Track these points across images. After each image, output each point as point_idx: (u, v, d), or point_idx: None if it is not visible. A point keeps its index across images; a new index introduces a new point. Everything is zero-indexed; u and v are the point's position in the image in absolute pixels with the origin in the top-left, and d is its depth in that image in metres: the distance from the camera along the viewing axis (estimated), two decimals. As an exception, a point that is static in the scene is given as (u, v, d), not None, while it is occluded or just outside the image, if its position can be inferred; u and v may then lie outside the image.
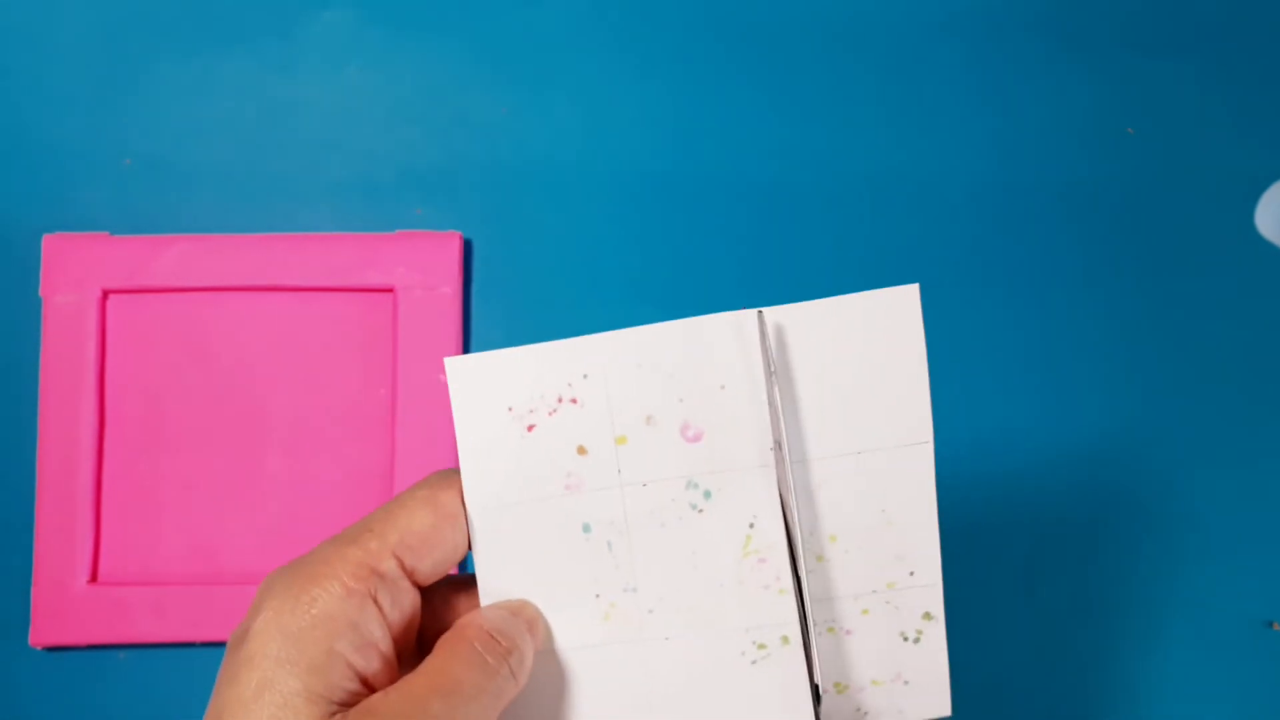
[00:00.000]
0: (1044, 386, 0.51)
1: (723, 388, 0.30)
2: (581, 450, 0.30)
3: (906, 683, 0.32)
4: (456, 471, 0.30)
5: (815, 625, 0.31)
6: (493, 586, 0.30)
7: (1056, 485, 0.51)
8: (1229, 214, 0.53)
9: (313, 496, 0.50)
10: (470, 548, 0.30)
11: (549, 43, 0.53)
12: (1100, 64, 0.53)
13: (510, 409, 0.30)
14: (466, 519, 0.30)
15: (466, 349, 0.51)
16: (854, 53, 0.53)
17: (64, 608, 0.48)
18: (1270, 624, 0.50)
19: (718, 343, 0.30)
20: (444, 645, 0.28)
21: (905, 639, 0.32)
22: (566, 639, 0.30)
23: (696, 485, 0.30)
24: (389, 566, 0.27)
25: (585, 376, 0.30)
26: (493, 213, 0.52)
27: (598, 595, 0.30)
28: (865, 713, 0.32)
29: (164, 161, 0.52)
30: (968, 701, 0.50)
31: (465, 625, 0.28)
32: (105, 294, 0.50)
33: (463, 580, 0.31)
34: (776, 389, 0.29)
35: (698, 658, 0.30)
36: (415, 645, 0.30)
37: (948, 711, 0.33)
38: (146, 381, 0.50)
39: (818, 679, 0.30)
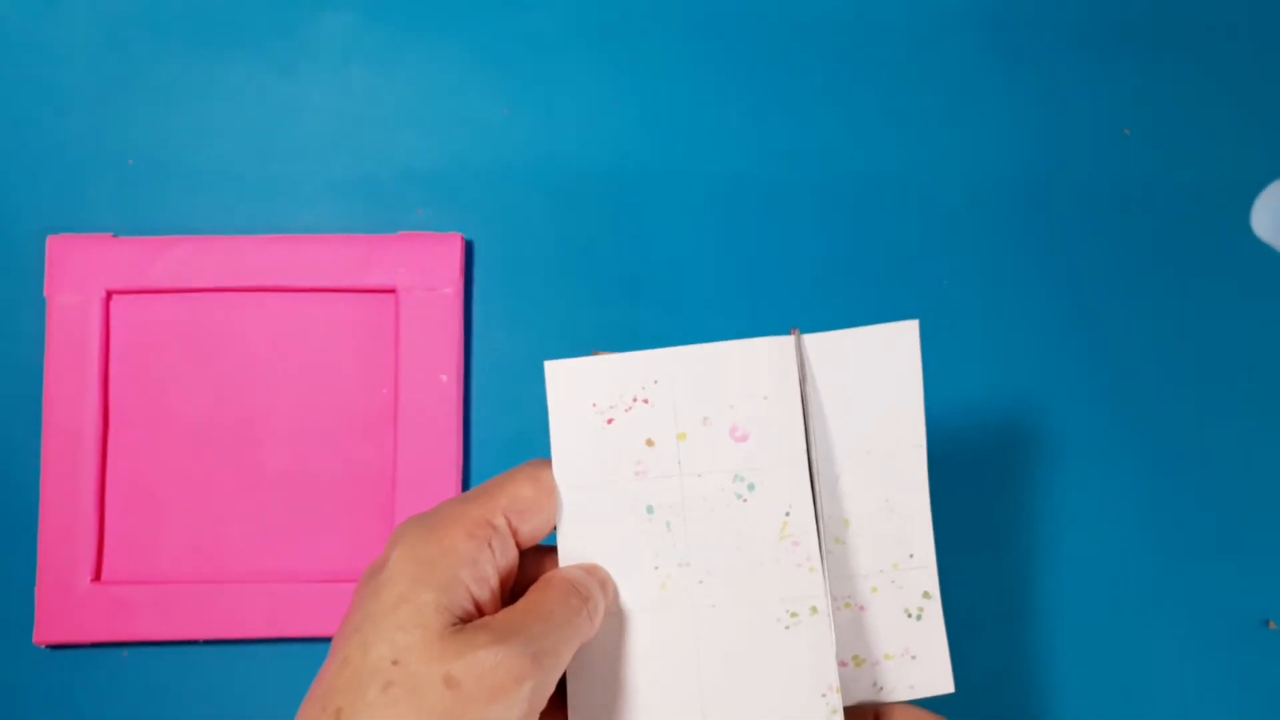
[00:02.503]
0: (1041, 385, 0.52)
1: (766, 398, 0.36)
2: (650, 443, 0.36)
3: (914, 658, 0.37)
4: (548, 460, 0.35)
5: (835, 600, 0.37)
6: (572, 552, 0.35)
7: (1055, 484, 0.51)
8: (1225, 215, 0.53)
9: (315, 496, 0.50)
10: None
11: (549, 44, 0.53)
12: (1096, 65, 0.54)
13: (594, 405, 0.36)
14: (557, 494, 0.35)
15: (468, 350, 0.51)
16: (853, 55, 0.53)
17: (67, 606, 0.48)
18: (1267, 623, 0.50)
19: (764, 360, 0.36)
20: (538, 587, 0.34)
21: (909, 615, 0.38)
22: (629, 602, 0.35)
23: (742, 478, 0.35)
24: (500, 523, 0.33)
25: (656, 382, 0.36)
26: (494, 214, 0.52)
27: (656, 567, 0.35)
28: (880, 687, 0.37)
29: (167, 163, 0.52)
30: (966, 701, 0.50)
31: (554, 575, 0.34)
32: (109, 295, 0.51)
33: (546, 550, 0.36)
34: (808, 395, 0.36)
35: (739, 622, 0.35)
36: (510, 594, 0.35)
37: (951, 688, 0.37)
38: (150, 382, 0.51)
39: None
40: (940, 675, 0.38)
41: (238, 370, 0.51)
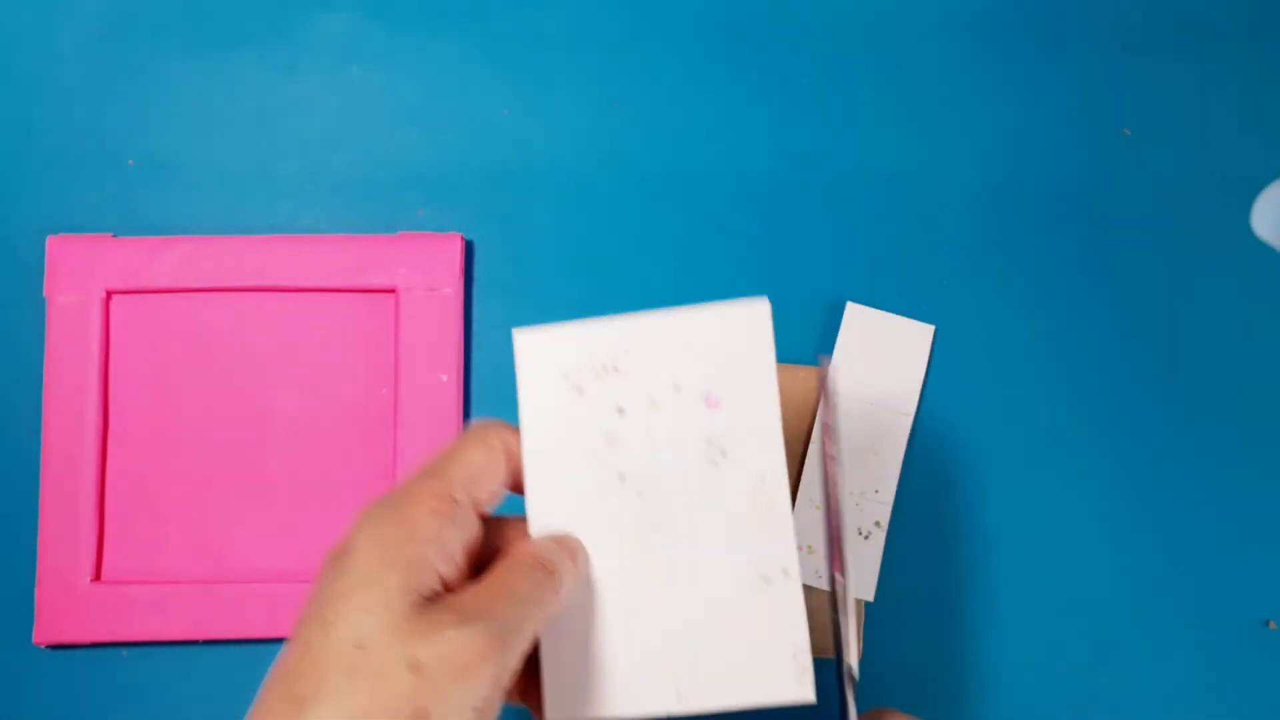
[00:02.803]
0: (1040, 384, 0.52)
1: (738, 364, 0.35)
2: (621, 411, 0.35)
3: (851, 565, 0.45)
4: (495, 422, 0.35)
5: (809, 500, 0.40)
6: (542, 521, 0.35)
7: (1055, 483, 0.51)
8: (1225, 215, 0.53)
9: (315, 495, 0.50)
10: (516, 487, 0.35)
11: (549, 44, 0.53)
12: (1097, 65, 0.54)
13: (565, 375, 0.35)
14: (516, 461, 0.35)
15: (468, 349, 0.51)
16: (854, 54, 0.54)
17: (67, 606, 0.49)
18: (1267, 622, 0.50)
19: (735, 327, 0.35)
20: (505, 563, 0.33)
21: (860, 534, 0.49)
22: (601, 569, 0.35)
23: (715, 444, 0.35)
24: (462, 495, 0.33)
25: (626, 350, 0.35)
26: (494, 214, 0.52)
27: (628, 534, 0.35)
28: (820, 575, 0.48)
29: (167, 163, 0.52)
30: (967, 700, 0.50)
31: (522, 550, 0.33)
32: (109, 294, 0.51)
33: (511, 520, 0.36)
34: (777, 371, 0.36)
35: (711, 586, 0.35)
36: (475, 565, 0.35)
37: (871, 598, 0.49)
38: (150, 381, 0.51)
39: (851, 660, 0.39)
40: (868, 586, 0.49)
41: (238, 370, 0.51)
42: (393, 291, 0.51)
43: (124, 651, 0.50)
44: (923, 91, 0.53)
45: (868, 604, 0.49)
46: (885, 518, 0.49)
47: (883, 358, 0.50)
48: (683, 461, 0.35)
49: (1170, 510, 0.51)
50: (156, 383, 0.51)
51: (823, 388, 0.37)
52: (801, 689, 0.34)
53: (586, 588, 0.35)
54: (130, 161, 0.52)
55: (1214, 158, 0.53)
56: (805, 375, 0.50)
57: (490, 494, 0.34)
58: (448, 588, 0.32)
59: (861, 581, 0.49)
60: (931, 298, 0.52)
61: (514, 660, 0.31)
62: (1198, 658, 0.50)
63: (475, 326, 0.52)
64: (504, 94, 0.53)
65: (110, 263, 0.50)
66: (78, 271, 0.50)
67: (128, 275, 0.50)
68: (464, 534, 0.33)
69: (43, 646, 0.49)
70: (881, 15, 0.54)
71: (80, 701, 0.49)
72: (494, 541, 0.35)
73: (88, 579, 0.49)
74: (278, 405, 0.51)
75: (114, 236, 0.51)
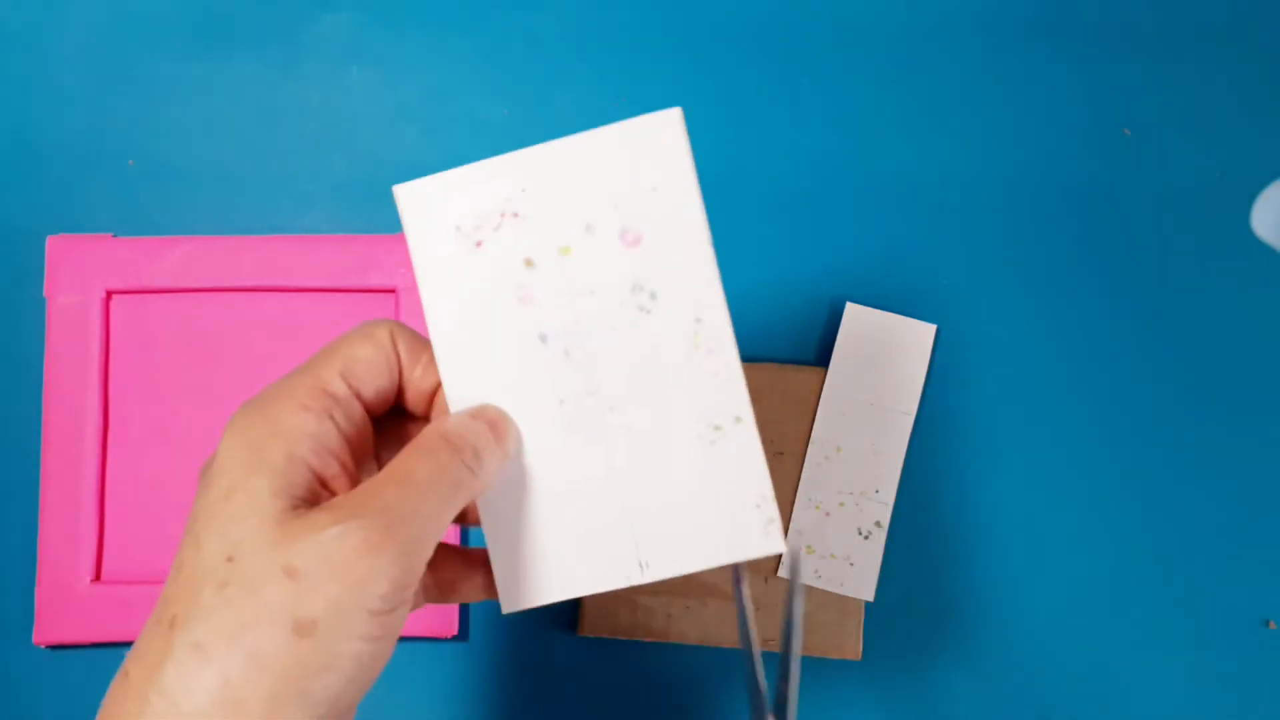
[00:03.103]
0: (1041, 384, 0.52)
1: (655, 189, 0.31)
2: (529, 263, 0.31)
3: (851, 564, 0.47)
4: (385, 318, 0.32)
5: (808, 501, 0.42)
6: (460, 400, 0.32)
7: (1056, 483, 0.51)
8: (1225, 215, 0.53)
9: (315, 496, 0.50)
10: (402, 378, 0.32)
11: (549, 43, 0.53)
12: (1097, 65, 0.54)
13: (458, 228, 0.31)
14: (397, 352, 0.31)
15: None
16: (855, 54, 0.53)
17: (67, 606, 0.48)
18: (1267, 622, 0.50)
19: (645, 146, 0.31)
20: (404, 449, 0.30)
21: (860, 534, 0.48)
22: (536, 442, 0.32)
23: (641, 288, 0.31)
24: (338, 387, 0.30)
25: (524, 190, 0.31)
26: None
27: (561, 401, 0.32)
28: (819, 575, 0.48)
29: (167, 163, 0.52)
30: (967, 700, 0.50)
31: (423, 432, 0.30)
32: (109, 295, 0.51)
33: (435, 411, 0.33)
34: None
35: (660, 445, 0.32)
36: (378, 463, 0.32)
37: (870, 598, 0.49)
38: (149, 382, 0.51)
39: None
40: (867, 586, 0.48)
41: (237, 370, 0.51)
42: (393, 291, 0.51)
43: (124, 652, 0.50)
44: (923, 91, 0.53)
45: (867, 604, 0.49)
46: (885, 518, 0.49)
47: (883, 357, 0.50)
48: (609, 312, 0.31)
49: (1171, 510, 0.51)
50: (157, 383, 0.51)
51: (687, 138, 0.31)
52: (768, 541, 0.31)
53: (523, 465, 0.32)
54: (130, 161, 0.52)
55: (1214, 158, 0.53)
56: (806, 375, 0.50)
57: (378, 391, 0.31)
58: (332, 490, 0.29)
59: (861, 582, 0.49)
60: (932, 298, 0.52)
61: (418, 550, 0.28)
62: (1198, 657, 0.50)
63: (475, 326, 0.51)
64: (504, 94, 0.53)
65: (110, 263, 0.50)
66: (78, 271, 0.50)
67: (128, 275, 0.50)
68: (348, 428, 0.30)
69: (42, 647, 0.49)
70: (883, 15, 0.54)
71: (80, 702, 0.49)
72: (406, 439, 0.32)
73: (88, 579, 0.49)
74: (278, 405, 0.51)
75: (114, 236, 0.51)
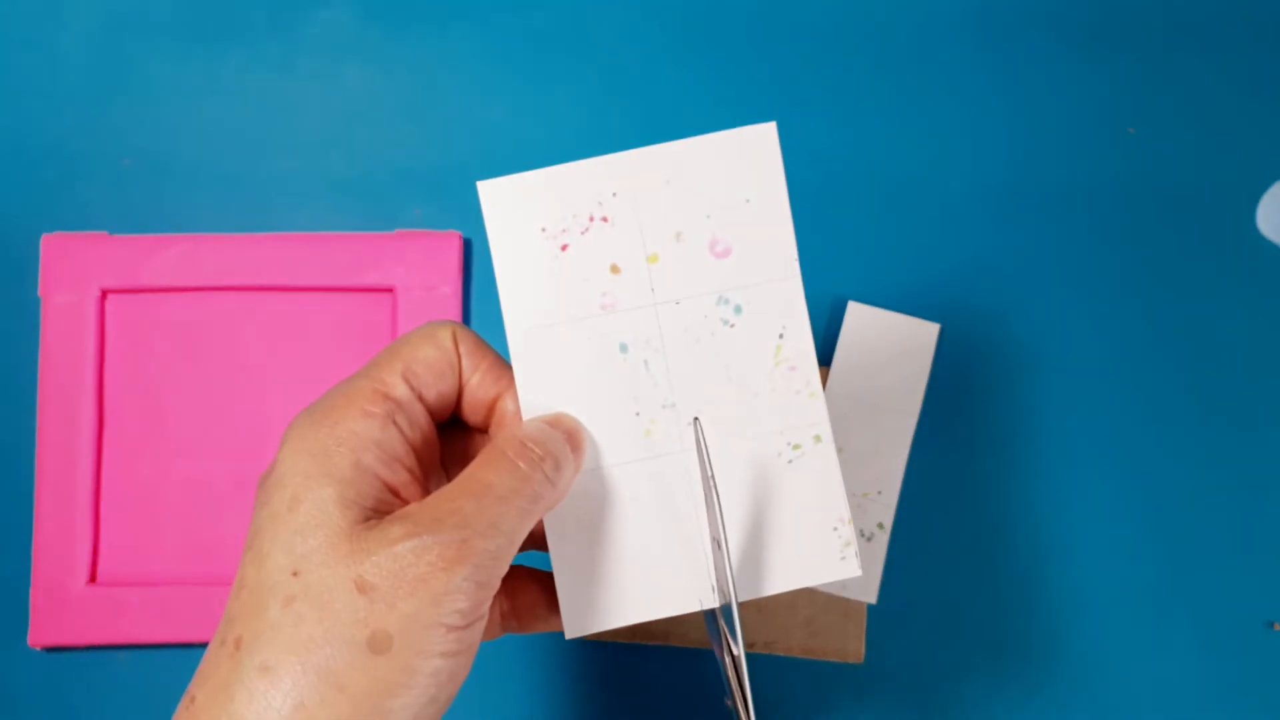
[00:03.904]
0: (1043, 384, 0.51)
1: (748, 202, 0.31)
2: (615, 269, 0.31)
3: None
4: (448, 320, 0.31)
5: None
6: (535, 406, 0.31)
7: (1059, 483, 0.51)
8: (1230, 214, 0.52)
9: (312, 497, 0.50)
10: (461, 382, 0.31)
11: (549, 43, 0.53)
12: (1101, 63, 0.53)
13: (544, 229, 0.30)
14: (459, 355, 0.30)
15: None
16: (856, 53, 0.53)
17: (62, 608, 0.48)
18: (1271, 624, 0.50)
19: (740, 157, 0.31)
20: (479, 457, 0.29)
21: (862, 535, 0.47)
22: (610, 455, 0.31)
23: (727, 301, 0.31)
24: (401, 391, 0.29)
25: (615, 195, 0.30)
26: (492, 212, 0.52)
27: (638, 413, 0.31)
28: None
29: (163, 161, 0.52)
30: (969, 700, 0.50)
31: (500, 438, 0.29)
32: (104, 293, 0.50)
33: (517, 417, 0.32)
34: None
35: (737, 463, 0.31)
36: (444, 473, 0.31)
37: (873, 600, 0.48)
38: (145, 381, 0.50)
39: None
40: (869, 587, 0.47)
41: (234, 370, 0.50)
42: (390, 291, 0.50)
43: (120, 654, 0.49)
44: (926, 89, 0.53)
45: (870, 607, 0.49)
46: (888, 520, 0.49)
47: (886, 357, 0.50)
48: (692, 324, 0.31)
49: (1175, 511, 0.51)
50: (152, 382, 0.50)
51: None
52: (845, 565, 0.31)
53: (595, 476, 0.31)
54: (126, 160, 0.52)
55: (1219, 156, 0.53)
56: None
57: (438, 394, 0.30)
58: (402, 498, 0.28)
59: (864, 584, 0.48)
60: (936, 297, 0.52)
61: (496, 563, 0.27)
62: (1202, 660, 0.50)
63: (474, 326, 0.51)
64: (503, 92, 0.53)
65: (105, 261, 0.50)
66: (73, 270, 0.50)
67: (123, 274, 0.50)
68: (413, 433, 0.29)
69: (38, 649, 0.49)
70: (884, 14, 0.53)
71: (75, 705, 0.49)
72: (476, 449, 0.31)
73: (83, 581, 0.48)
74: (274, 405, 0.50)
75: (109, 235, 0.50)
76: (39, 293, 0.50)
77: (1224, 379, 0.52)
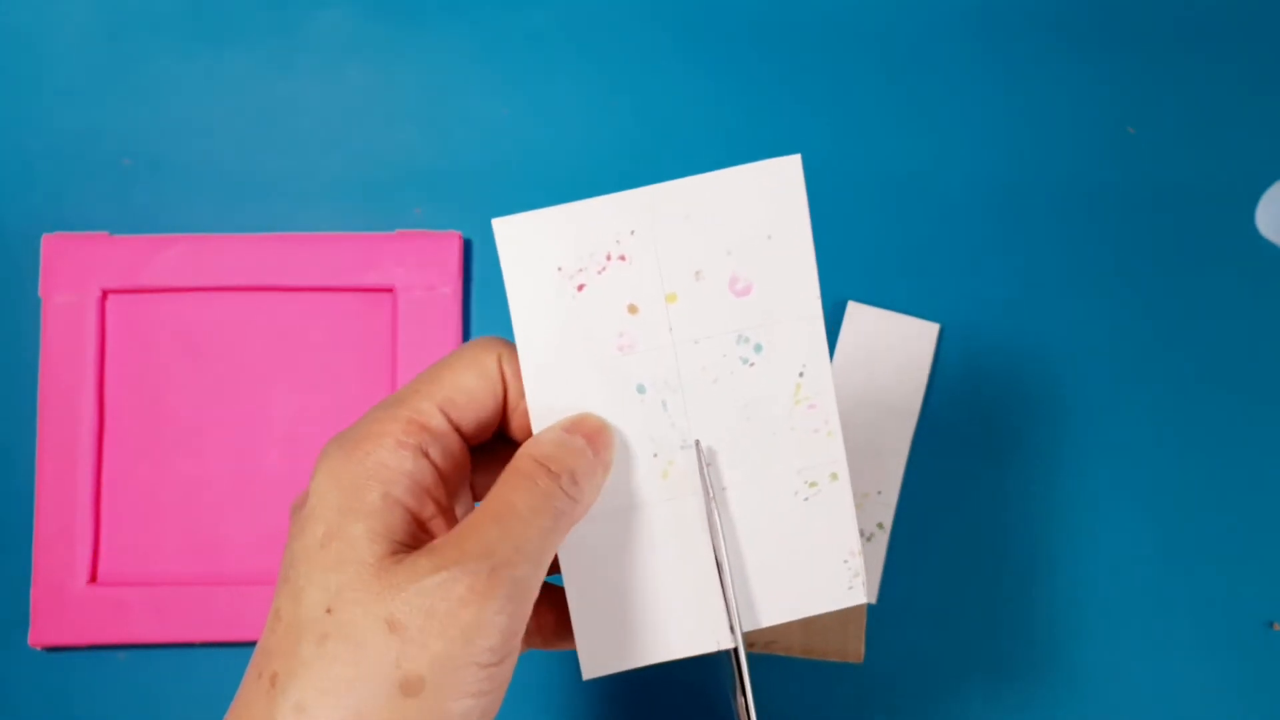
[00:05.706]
0: (1045, 385, 0.51)
1: (770, 238, 0.30)
2: (633, 309, 0.30)
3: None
4: (496, 338, 0.30)
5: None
6: None
7: (1060, 483, 0.51)
8: (1230, 214, 0.52)
9: (312, 497, 0.50)
10: (507, 407, 0.30)
11: (549, 43, 0.53)
12: (1101, 63, 0.53)
13: (560, 268, 0.30)
14: (504, 381, 0.30)
15: (466, 349, 0.51)
16: (856, 53, 0.53)
17: (63, 608, 0.48)
18: (1271, 624, 0.50)
19: (762, 192, 0.30)
20: (499, 479, 0.28)
21: (862, 535, 0.45)
22: (628, 497, 0.30)
23: (747, 340, 0.30)
24: (437, 422, 0.28)
25: (632, 232, 0.30)
26: (492, 212, 0.51)
27: (655, 455, 0.30)
28: None
29: (163, 161, 0.52)
30: (969, 700, 0.50)
31: (518, 456, 0.29)
32: (105, 294, 0.50)
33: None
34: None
35: (754, 502, 0.31)
36: (472, 497, 0.31)
37: (872, 600, 0.49)
38: (146, 381, 0.50)
39: None
40: (870, 588, 0.47)
41: (234, 370, 0.50)
42: (391, 291, 0.50)
43: (120, 654, 0.49)
44: (926, 89, 0.53)
45: (870, 607, 0.49)
46: (888, 519, 0.49)
47: (886, 357, 0.50)
48: (711, 364, 0.30)
49: (1175, 511, 0.51)
50: (152, 382, 0.50)
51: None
52: (852, 594, 0.31)
53: (613, 519, 0.30)
54: (126, 160, 0.52)
55: (1218, 156, 0.53)
56: None
57: (476, 423, 0.30)
58: (429, 531, 0.28)
59: (868, 581, 0.48)
60: (935, 297, 0.51)
61: (524, 596, 0.27)
62: (1202, 659, 0.50)
63: (474, 326, 0.51)
64: (503, 91, 0.53)
65: (106, 261, 0.50)
66: (73, 270, 0.50)
67: (124, 274, 0.50)
68: (446, 465, 0.29)
69: (38, 649, 0.49)
70: (884, 14, 0.53)
71: (76, 704, 0.49)
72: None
73: (84, 581, 0.48)
74: (275, 405, 0.50)
75: (110, 235, 0.50)
76: (39, 293, 0.50)
77: (1223, 379, 0.52)
